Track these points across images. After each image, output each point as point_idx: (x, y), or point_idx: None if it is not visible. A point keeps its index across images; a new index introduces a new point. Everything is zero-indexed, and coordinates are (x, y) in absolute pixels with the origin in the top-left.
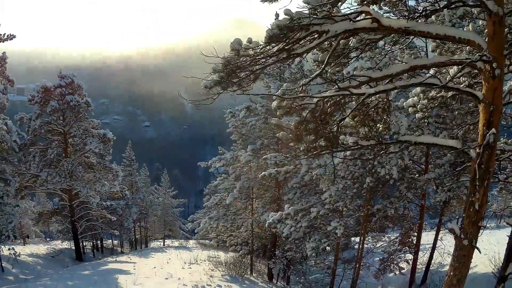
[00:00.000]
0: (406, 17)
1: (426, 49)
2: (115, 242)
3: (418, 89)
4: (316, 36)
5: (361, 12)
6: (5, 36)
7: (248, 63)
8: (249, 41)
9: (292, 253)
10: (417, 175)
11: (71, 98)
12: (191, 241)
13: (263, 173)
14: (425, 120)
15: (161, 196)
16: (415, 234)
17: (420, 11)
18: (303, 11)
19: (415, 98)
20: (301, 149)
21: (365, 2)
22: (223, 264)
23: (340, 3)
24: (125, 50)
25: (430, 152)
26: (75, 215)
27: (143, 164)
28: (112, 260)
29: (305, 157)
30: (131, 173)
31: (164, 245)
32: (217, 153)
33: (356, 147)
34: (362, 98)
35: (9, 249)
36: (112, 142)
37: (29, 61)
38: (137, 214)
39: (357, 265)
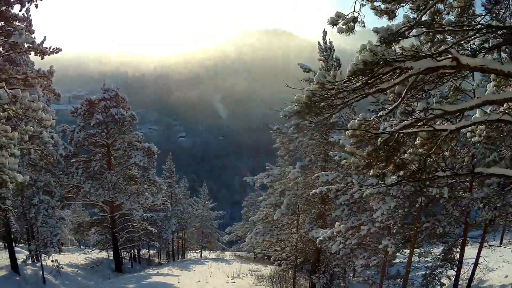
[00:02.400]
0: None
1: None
2: (152, 252)
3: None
4: (397, 71)
5: (443, 51)
6: (51, 49)
7: (331, 96)
8: (334, 75)
9: (339, 269)
10: (461, 191)
11: (116, 111)
12: (227, 253)
13: (314, 190)
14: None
15: (199, 208)
16: (458, 250)
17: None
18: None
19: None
20: (370, 173)
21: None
22: (266, 279)
23: (409, 31)
24: (159, 58)
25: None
26: (116, 226)
27: (178, 174)
28: (153, 273)
29: (378, 186)
30: (171, 185)
31: (201, 256)
32: (251, 163)
33: (432, 178)
34: (445, 134)
35: (52, 261)
36: (156, 155)
37: (62, 68)
38: (176, 225)
39: (403, 282)
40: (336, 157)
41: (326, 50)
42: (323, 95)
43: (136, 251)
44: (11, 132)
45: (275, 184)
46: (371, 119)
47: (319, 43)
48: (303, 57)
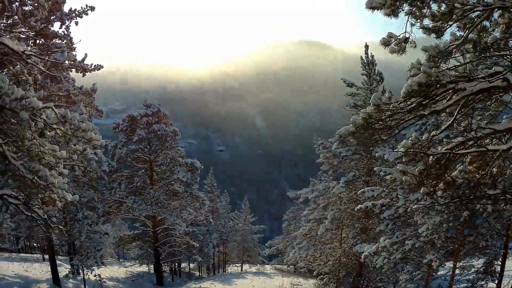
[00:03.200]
0: None
1: None
2: (192, 265)
3: None
4: (450, 92)
5: (495, 73)
6: (92, 67)
7: (386, 117)
8: (389, 97)
9: (383, 283)
10: (503, 204)
11: (159, 127)
12: (267, 266)
13: (359, 206)
14: None
15: (240, 222)
16: (499, 263)
17: None
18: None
19: None
20: (421, 191)
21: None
22: None
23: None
24: (196, 72)
25: None
26: (158, 240)
27: (218, 188)
28: (195, 287)
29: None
30: (212, 199)
31: (242, 270)
32: (289, 175)
33: (483, 196)
34: (497, 154)
35: (94, 275)
36: (199, 171)
37: (99, 82)
38: (217, 239)
39: None
40: (381, 172)
41: (369, 64)
42: (379, 117)
43: (176, 264)
44: (59, 151)
45: (319, 199)
46: (424, 139)
47: (362, 57)
48: (338, 67)
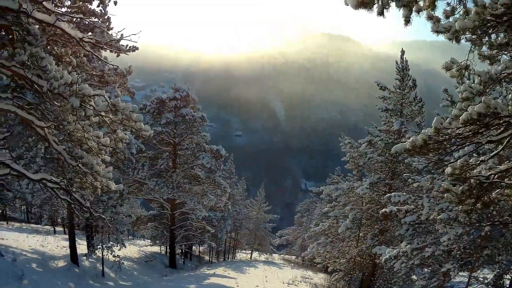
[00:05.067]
0: None
1: None
2: (201, 249)
3: None
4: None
5: None
6: (127, 47)
7: (444, 140)
8: (449, 122)
9: (398, 286)
10: None
11: (187, 112)
12: (275, 256)
13: (384, 209)
14: None
15: (254, 210)
16: (509, 277)
17: None
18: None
19: None
20: (459, 209)
21: None
22: None
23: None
24: (220, 56)
25: None
26: (174, 223)
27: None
28: (210, 273)
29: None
30: (230, 185)
31: (251, 258)
32: (304, 165)
33: None
34: None
35: (114, 256)
36: (223, 158)
37: (120, 59)
38: (231, 226)
39: None
40: (409, 179)
41: (403, 69)
42: (437, 139)
43: (187, 247)
44: (103, 138)
45: (341, 198)
46: (472, 162)
47: (396, 62)
48: (363, 64)
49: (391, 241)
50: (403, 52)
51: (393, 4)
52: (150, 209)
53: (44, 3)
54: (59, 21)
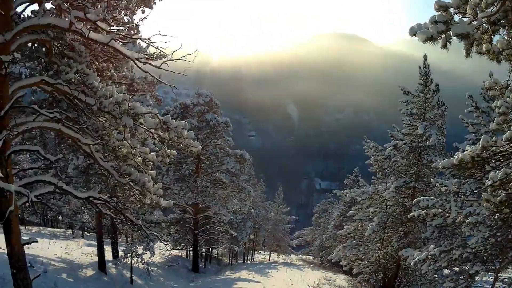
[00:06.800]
0: None
1: None
2: (219, 251)
3: None
4: None
5: None
6: (155, 56)
7: (489, 157)
8: (495, 140)
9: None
10: None
11: (211, 117)
12: (293, 256)
13: (412, 213)
14: None
15: (273, 212)
16: None
17: None
18: None
19: None
20: (496, 217)
21: None
22: None
23: None
24: (230, 58)
25: None
26: (198, 228)
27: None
28: (236, 277)
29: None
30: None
31: (269, 259)
32: (318, 166)
33: None
34: None
35: (143, 263)
36: (248, 162)
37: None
38: (251, 228)
39: None
40: (437, 184)
41: (426, 74)
42: (483, 156)
43: (208, 250)
44: (150, 153)
45: (365, 201)
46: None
47: (420, 67)
48: (377, 64)
49: (414, 243)
50: (425, 57)
51: (454, 38)
52: (167, 212)
53: (97, 22)
54: (114, 40)
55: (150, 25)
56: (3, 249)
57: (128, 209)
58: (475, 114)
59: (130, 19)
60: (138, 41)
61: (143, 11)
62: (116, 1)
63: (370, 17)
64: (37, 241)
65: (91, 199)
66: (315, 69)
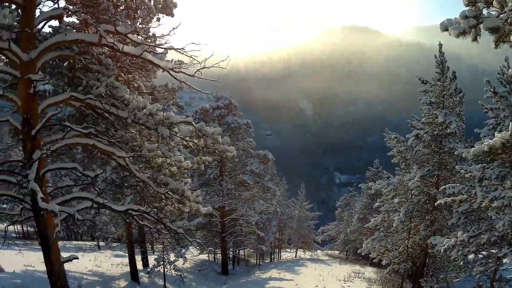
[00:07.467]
0: None
1: None
2: (245, 252)
3: None
4: None
5: None
6: (172, 62)
7: None
8: None
9: (455, 274)
10: None
11: (232, 120)
12: (319, 252)
13: (439, 201)
14: None
15: (296, 209)
16: None
17: None
18: None
19: None
20: None
21: None
22: (375, 282)
23: None
24: (244, 58)
25: None
26: (225, 231)
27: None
28: (267, 277)
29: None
30: None
31: (296, 256)
32: (336, 160)
33: None
34: None
35: (176, 270)
36: (271, 162)
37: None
38: (276, 227)
39: None
40: (462, 171)
41: (442, 62)
42: None
43: (236, 252)
44: (185, 161)
45: (390, 192)
46: None
47: (436, 56)
48: (388, 55)
49: (440, 230)
50: (440, 45)
51: (485, 32)
52: (190, 217)
53: (128, 35)
54: (146, 52)
55: (165, 32)
56: (33, 266)
57: (167, 218)
58: (494, 99)
59: (149, 27)
60: (156, 48)
61: (158, 19)
62: (135, 12)
63: (381, 6)
64: (77, 258)
65: (129, 211)
66: (325, 64)
